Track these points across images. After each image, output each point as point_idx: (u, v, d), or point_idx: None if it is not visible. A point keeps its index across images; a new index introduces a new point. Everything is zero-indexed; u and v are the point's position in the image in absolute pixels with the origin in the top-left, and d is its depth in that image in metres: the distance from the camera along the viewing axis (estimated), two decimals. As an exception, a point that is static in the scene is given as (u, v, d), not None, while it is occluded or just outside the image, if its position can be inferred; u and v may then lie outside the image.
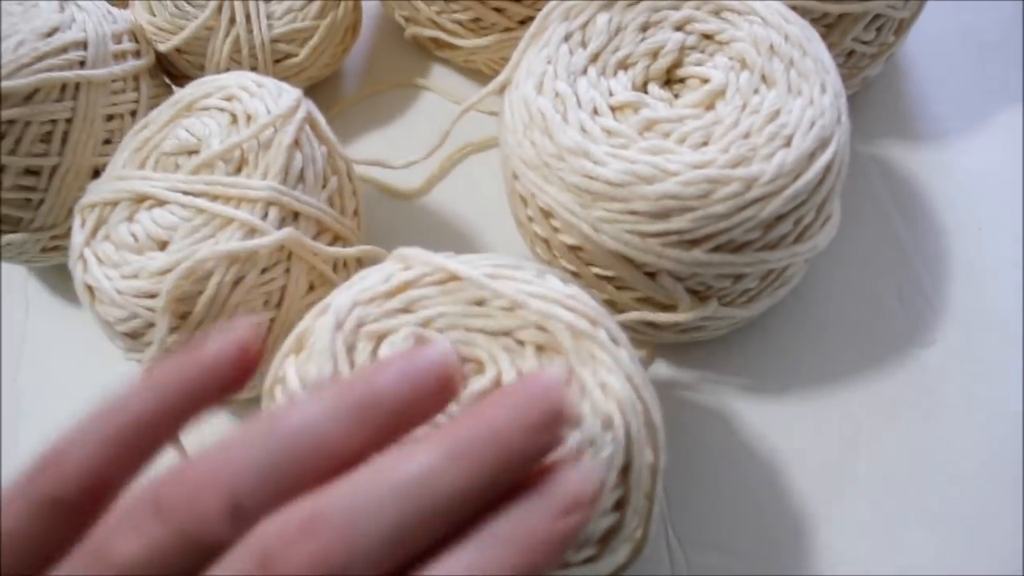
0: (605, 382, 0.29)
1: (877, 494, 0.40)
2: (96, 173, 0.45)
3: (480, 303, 0.31)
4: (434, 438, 0.20)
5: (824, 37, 0.44)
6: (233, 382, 0.23)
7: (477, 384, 0.30)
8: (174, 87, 0.51)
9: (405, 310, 0.31)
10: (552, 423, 0.21)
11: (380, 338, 0.31)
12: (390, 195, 0.50)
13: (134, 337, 0.38)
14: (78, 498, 0.21)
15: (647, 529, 0.31)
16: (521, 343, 0.31)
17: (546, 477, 0.21)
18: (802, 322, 0.44)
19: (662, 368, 0.44)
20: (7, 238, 0.46)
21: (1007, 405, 0.41)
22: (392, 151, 0.50)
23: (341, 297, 0.32)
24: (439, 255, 0.33)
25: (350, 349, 0.31)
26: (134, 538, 0.19)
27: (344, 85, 0.55)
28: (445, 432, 0.21)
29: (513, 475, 0.21)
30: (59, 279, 0.51)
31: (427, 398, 0.22)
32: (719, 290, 0.38)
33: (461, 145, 0.50)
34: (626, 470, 0.29)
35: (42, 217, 0.45)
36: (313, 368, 0.30)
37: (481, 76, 0.53)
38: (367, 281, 0.33)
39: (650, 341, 0.43)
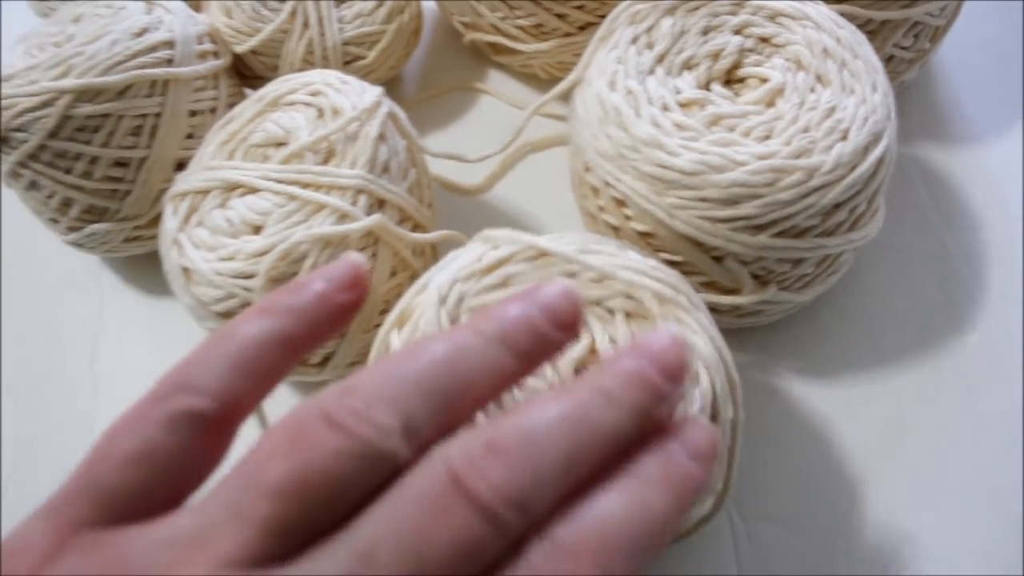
0: (692, 342, 0.32)
1: (922, 471, 0.42)
2: (179, 166, 0.47)
3: (571, 276, 0.34)
4: (584, 380, 0.22)
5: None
6: (346, 304, 0.25)
7: (573, 352, 0.33)
8: (245, 89, 0.54)
9: (502, 285, 0.34)
10: (682, 371, 0.23)
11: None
12: (454, 192, 0.52)
13: (229, 317, 0.41)
14: (215, 412, 0.22)
15: (728, 483, 0.33)
16: (611, 312, 0.33)
17: (673, 429, 0.23)
18: (850, 310, 0.47)
19: (719, 351, 0.46)
20: (92, 227, 0.48)
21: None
22: (455, 149, 0.53)
23: (440, 275, 0.35)
24: (525, 234, 0.35)
25: (453, 322, 0.33)
26: (303, 452, 0.20)
27: (404, 88, 0.58)
28: (593, 376, 0.22)
29: (654, 418, 0.23)
30: (133, 271, 0.53)
31: (559, 323, 0.23)
32: (779, 274, 0.41)
33: (520, 145, 0.53)
34: (712, 423, 0.31)
35: (128, 207, 0.47)
36: None
37: (536, 81, 0.56)
38: (461, 260, 0.35)
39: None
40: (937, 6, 0.47)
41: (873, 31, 0.48)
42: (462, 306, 0.34)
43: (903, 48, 0.49)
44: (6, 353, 0.51)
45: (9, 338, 0.52)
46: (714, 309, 0.42)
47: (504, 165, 0.53)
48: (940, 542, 0.40)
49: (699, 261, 0.40)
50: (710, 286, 0.41)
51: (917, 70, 0.52)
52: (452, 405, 0.21)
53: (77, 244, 0.49)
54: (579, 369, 0.34)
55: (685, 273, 0.41)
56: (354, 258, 0.27)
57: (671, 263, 0.41)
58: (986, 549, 0.40)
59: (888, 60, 0.50)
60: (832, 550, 0.40)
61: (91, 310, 0.53)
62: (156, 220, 0.46)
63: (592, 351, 0.33)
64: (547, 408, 0.21)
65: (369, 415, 0.20)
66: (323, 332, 0.26)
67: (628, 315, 0.33)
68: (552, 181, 0.51)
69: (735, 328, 0.45)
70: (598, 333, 0.33)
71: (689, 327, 0.32)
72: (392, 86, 0.57)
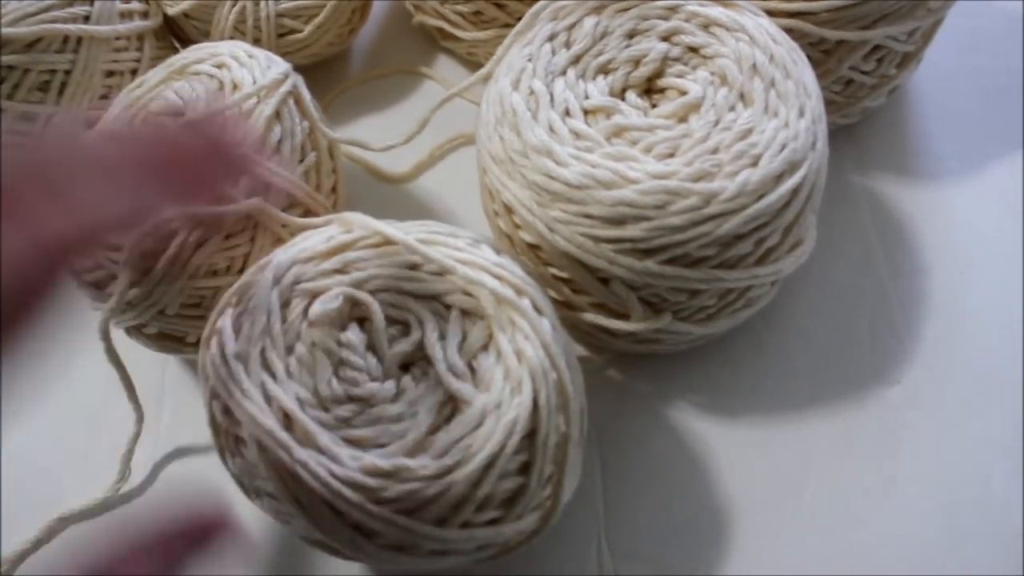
0: (521, 348, 0.30)
1: (818, 529, 0.39)
2: (91, 125, 0.46)
3: (413, 267, 0.33)
4: None
5: (820, 63, 0.44)
6: None
7: (401, 345, 0.32)
8: (180, 50, 0.52)
9: (340, 271, 0.33)
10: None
11: (314, 296, 0.32)
12: (378, 178, 0.50)
13: (97, 287, 0.39)
14: None
15: (557, 498, 0.32)
16: (448, 307, 0.32)
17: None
18: (767, 346, 0.44)
19: (618, 377, 0.43)
20: None
21: (963, 457, 0.41)
22: (389, 135, 0.50)
23: (282, 255, 0.34)
24: (378, 221, 0.34)
25: (284, 304, 0.32)
26: None
27: (350, 65, 0.56)
28: None
29: None
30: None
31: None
32: (674, 304, 0.38)
33: (453, 136, 0.51)
34: (532, 435, 0.30)
35: (34, 163, 0.46)
36: (247, 320, 0.31)
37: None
38: (309, 241, 0.34)
39: (608, 348, 0.43)
40: (901, 30, 0.44)
41: (827, 51, 0.44)
42: (296, 288, 0.33)
43: (864, 72, 0.46)
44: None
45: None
46: (608, 332, 0.40)
47: (433, 155, 0.51)
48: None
49: (584, 280, 0.37)
50: (599, 308, 0.39)
51: (884, 97, 0.49)
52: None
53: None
54: (405, 365, 0.33)
55: (574, 292, 0.39)
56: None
57: (560, 279, 0.39)
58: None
59: (847, 83, 0.47)
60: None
61: None
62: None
63: (420, 346, 0.32)
64: None
65: None
66: None
67: (464, 312, 0.32)
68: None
69: (637, 354, 0.43)
70: (428, 328, 0.32)
71: (522, 331, 0.31)
72: (338, 62, 0.55)
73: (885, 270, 0.46)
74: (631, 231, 0.34)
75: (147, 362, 0.44)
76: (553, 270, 0.38)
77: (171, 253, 0.37)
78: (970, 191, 0.48)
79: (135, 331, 0.41)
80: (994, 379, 0.42)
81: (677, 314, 0.38)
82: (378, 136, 0.50)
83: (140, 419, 0.39)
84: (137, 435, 0.39)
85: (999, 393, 0.42)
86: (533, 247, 0.38)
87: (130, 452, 0.40)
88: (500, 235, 0.40)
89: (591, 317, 0.39)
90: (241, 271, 0.39)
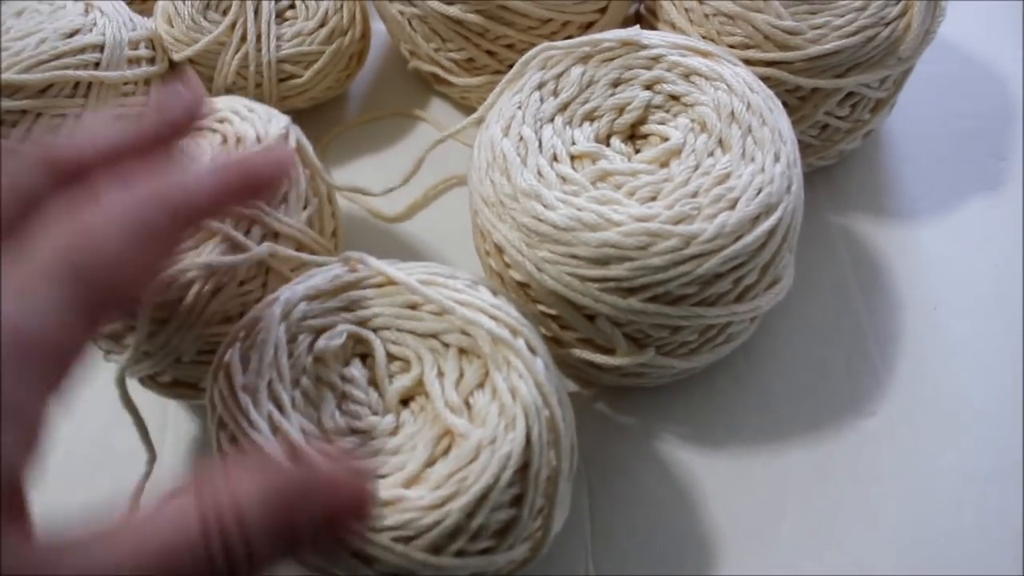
0: (515, 387, 0.32)
1: (798, 555, 0.41)
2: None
3: (413, 307, 0.34)
4: None
5: (796, 109, 0.46)
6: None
7: (402, 381, 0.33)
8: (185, 94, 0.54)
9: (346, 308, 0.35)
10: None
11: (319, 332, 0.34)
12: (374, 217, 0.52)
13: (114, 339, 0.40)
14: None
15: (547, 530, 0.33)
16: (446, 345, 0.34)
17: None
18: (747, 379, 0.46)
19: (604, 409, 0.45)
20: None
21: (937, 486, 0.42)
22: (384, 175, 0.52)
23: (290, 291, 0.35)
24: (383, 261, 0.36)
25: (291, 339, 0.34)
26: None
27: (347, 108, 0.58)
28: None
29: None
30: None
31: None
32: (657, 339, 0.40)
33: (446, 177, 0.53)
34: (525, 469, 0.31)
35: (43, 203, 0.48)
36: (255, 354, 0.33)
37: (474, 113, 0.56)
38: (315, 279, 0.36)
39: (594, 382, 0.44)
40: (873, 78, 0.46)
41: (803, 98, 0.46)
42: (303, 324, 0.34)
43: (838, 117, 0.48)
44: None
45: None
46: (595, 366, 0.41)
47: (427, 196, 0.53)
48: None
49: (571, 317, 0.39)
50: (586, 343, 0.40)
51: (859, 140, 0.51)
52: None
53: (-5, 233, 0.50)
54: (405, 400, 0.34)
55: (562, 328, 0.40)
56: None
57: (548, 315, 0.40)
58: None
59: (823, 128, 0.49)
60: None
61: None
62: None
63: (420, 383, 0.33)
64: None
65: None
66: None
67: (461, 351, 0.34)
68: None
69: (623, 387, 0.45)
70: (427, 365, 0.33)
71: (516, 370, 0.32)
72: (336, 104, 0.57)
73: (861, 306, 0.48)
74: (615, 271, 0.36)
75: (149, 393, 0.45)
76: (542, 307, 0.40)
77: (188, 302, 0.38)
78: (942, 230, 0.50)
79: (149, 380, 0.42)
80: (966, 411, 0.44)
81: (660, 349, 0.40)
82: (374, 176, 0.52)
83: (152, 460, 0.40)
84: (148, 475, 0.40)
85: (971, 424, 0.44)
86: (522, 285, 0.40)
87: (140, 490, 0.41)
88: (491, 273, 0.42)
89: (578, 352, 0.40)
90: (253, 316, 0.41)
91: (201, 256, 0.39)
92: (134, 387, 0.41)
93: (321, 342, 0.34)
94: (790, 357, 0.46)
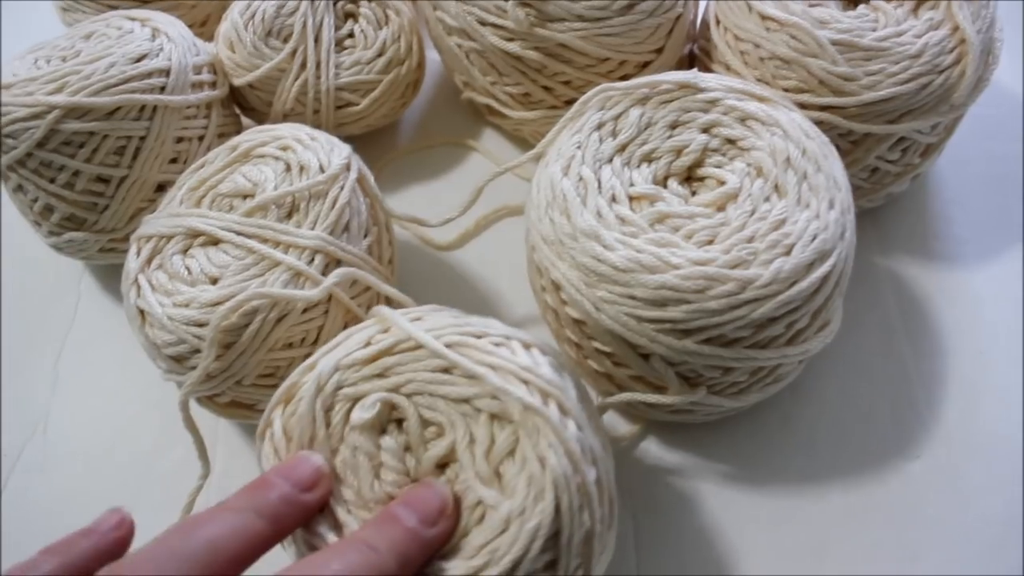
0: (543, 456, 0.31)
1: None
2: (160, 188, 0.49)
3: (447, 370, 0.34)
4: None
5: (848, 152, 0.47)
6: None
7: (436, 449, 0.33)
8: (244, 118, 0.56)
9: (380, 375, 0.34)
10: (438, 516, 0.31)
11: (355, 400, 0.34)
12: (427, 245, 0.53)
13: (178, 361, 0.41)
14: None
15: None
16: (478, 411, 0.33)
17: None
18: (794, 419, 0.46)
19: (652, 446, 0.46)
20: (70, 235, 0.50)
21: (981, 530, 0.42)
22: (435, 203, 0.54)
23: (325, 360, 0.35)
24: (413, 322, 0.36)
25: (327, 410, 0.34)
26: None
27: (401, 135, 0.59)
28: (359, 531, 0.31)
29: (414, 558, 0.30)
30: (112, 278, 0.55)
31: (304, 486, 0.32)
32: (708, 379, 0.40)
33: (498, 207, 0.54)
34: (556, 536, 0.31)
35: (105, 220, 0.49)
36: (296, 427, 0.34)
37: (526, 145, 0.57)
38: (350, 344, 0.36)
39: (644, 417, 0.45)
40: (925, 124, 0.46)
41: (855, 142, 0.47)
42: (339, 394, 0.34)
43: (889, 161, 0.49)
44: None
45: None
46: (646, 403, 0.42)
47: (479, 225, 0.53)
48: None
49: (625, 355, 0.39)
50: (639, 380, 0.41)
51: (907, 183, 0.51)
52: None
53: (56, 248, 0.51)
54: (440, 465, 0.34)
55: (615, 364, 0.41)
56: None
57: (602, 352, 0.41)
58: None
59: (873, 171, 0.49)
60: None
61: (67, 311, 0.55)
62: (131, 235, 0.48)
63: (452, 449, 0.33)
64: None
65: None
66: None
67: (493, 416, 0.33)
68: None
69: (670, 423, 0.45)
70: (459, 432, 0.33)
71: (546, 439, 0.32)
72: (389, 132, 0.58)
73: (907, 348, 0.48)
74: (672, 312, 0.37)
75: (202, 410, 0.46)
76: (596, 344, 0.41)
77: (253, 329, 0.40)
78: (988, 273, 0.51)
79: (207, 400, 0.43)
80: (1012, 457, 0.44)
81: (711, 388, 0.41)
82: (424, 203, 0.53)
83: (206, 475, 0.41)
84: (199, 488, 0.41)
85: (1016, 471, 0.44)
86: (578, 322, 0.41)
87: (191, 504, 0.42)
88: (546, 308, 0.43)
89: (628, 395, 0.41)
90: (315, 343, 0.41)
91: (267, 283, 0.40)
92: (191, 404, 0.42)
93: (356, 413, 0.34)
94: (836, 399, 0.47)
